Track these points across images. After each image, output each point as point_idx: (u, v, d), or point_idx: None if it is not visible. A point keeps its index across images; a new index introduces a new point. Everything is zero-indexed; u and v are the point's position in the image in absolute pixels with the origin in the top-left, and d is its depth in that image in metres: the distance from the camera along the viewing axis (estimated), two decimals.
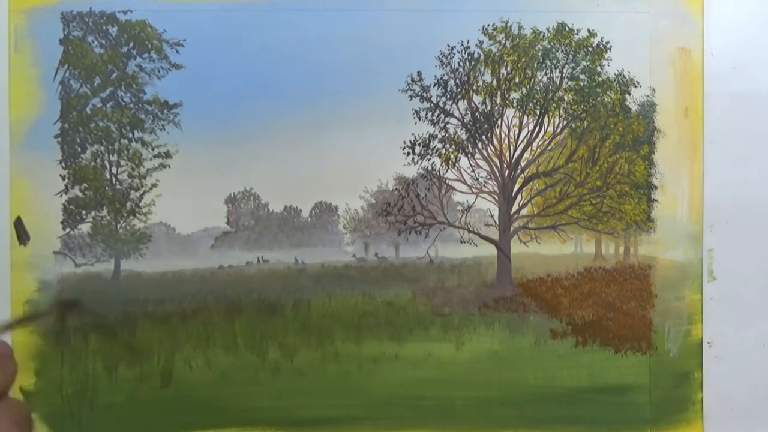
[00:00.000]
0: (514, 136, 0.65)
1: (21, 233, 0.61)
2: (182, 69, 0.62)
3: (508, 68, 0.64)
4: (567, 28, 0.63)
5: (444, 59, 0.63)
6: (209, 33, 0.62)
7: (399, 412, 0.62)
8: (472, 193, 0.65)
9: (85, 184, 0.62)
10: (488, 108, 0.64)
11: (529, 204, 0.66)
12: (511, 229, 0.65)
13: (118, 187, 0.63)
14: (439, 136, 0.64)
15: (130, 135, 0.63)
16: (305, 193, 0.64)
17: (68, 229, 0.62)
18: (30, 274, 0.61)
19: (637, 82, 0.63)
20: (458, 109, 0.64)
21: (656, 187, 0.63)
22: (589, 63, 0.64)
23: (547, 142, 0.65)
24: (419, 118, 0.63)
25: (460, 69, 0.63)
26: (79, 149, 0.62)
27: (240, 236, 0.65)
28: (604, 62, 0.63)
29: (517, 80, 0.64)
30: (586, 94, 0.64)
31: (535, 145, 0.65)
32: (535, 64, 0.64)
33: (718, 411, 0.62)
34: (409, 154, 0.63)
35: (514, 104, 0.64)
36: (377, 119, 0.62)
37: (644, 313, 0.63)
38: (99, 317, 0.61)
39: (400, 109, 0.63)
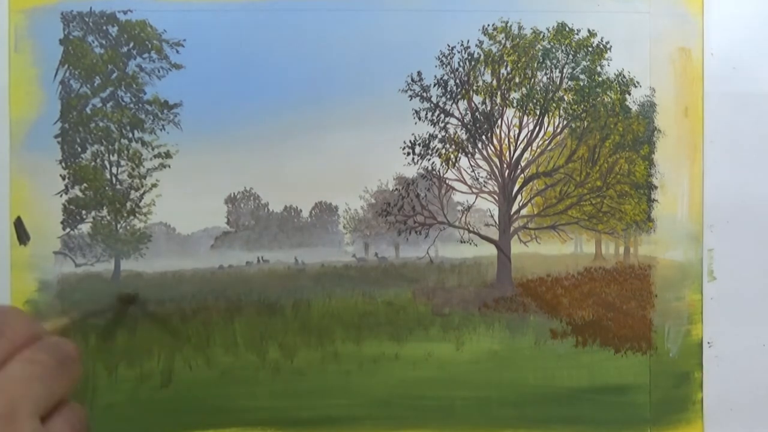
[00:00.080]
0: (514, 136, 0.65)
1: (21, 233, 0.61)
2: (182, 69, 0.62)
3: (508, 68, 0.64)
4: (567, 28, 0.63)
5: (444, 59, 0.63)
6: (209, 33, 0.62)
7: (399, 412, 0.62)
8: (472, 193, 0.65)
9: (85, 184, 0.62)
10: (488, 108, 0.64)
11: (529, 204, 0.66)
12: (511, 229, 0.65)
13: (118, 187, 0.63)
14: (439, 136, 0.64)
15: (130, 135, 0.63)
16: (305, 193, 0.64)
17: (68, 229, 0.62)
18: (30, 274, 0.61)
19: (637, 82, 0.63)
20: (458, 109, 0.64)
21: (656, 187, 0.63)
22: (589, 63, 0.64)
23: (547, 142, 0.65)
24: (419, 118, 0.63)
25: (460, 69, 0.63)
26: (79, 149, 0.62)
27: (240, 236, 0.65)
28: (604, 62, 0.63)
29: (517, 80, 0.64)
30: (586, 94, 0.64)
31: (535, 145, 0.65)
32: (535, 64, 0.64)
33: (718, 411, 0.62)
34: (409, 154, 0.63)
35: (514, 104, 0.64)
36: (377, 119, 0.62)
37: (644, 313, 0.63)
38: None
39: (400, 109, 0.63)
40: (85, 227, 0.62)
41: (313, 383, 0.62)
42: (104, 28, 0.62)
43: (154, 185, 0.63)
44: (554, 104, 0.64)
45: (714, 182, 0.62)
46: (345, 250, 0.66)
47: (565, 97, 0.64)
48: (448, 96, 0.64)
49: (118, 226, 0.63)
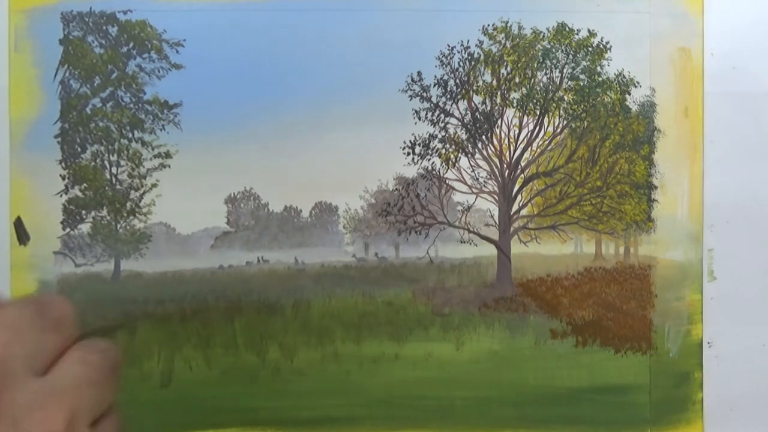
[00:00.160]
0: (514, 136, 0.65)
1: (21, 233, 0.61)
2: (182, 69, 0.62)
3: (508, 68, 0.64)
4: (567, 28, 0.63)
5: (444, 59, 0.63)
6: (209, 33, 0.62)
7: (399, 412, 0.62)
8: (472, 193, 0.65)
9: (85, 184, 0.62)
10: (488, 108, 0.64)
11: (529, 204, 0.66)
12: (511, 229, 0.65)
13: (118, 187, 0.63)
14: (439, 136, 0.64)
15: (130, 135, 0.63)
16: (305, 193, 0.64)
17: (68, 229, 0.62)
18: (30, 274, 0.61)
19: (637, 82, 0.63)
20: (458, 109, 0.64)
21: (656, 187, 0.63)
22: (589, 63, 0.64)
23: (547, 142, 0.65)
24: (419, 118, 0.63)
25: (460, 69, 0.63)
26: (79, 149, 0.62)
27: (240, 236, 0.65)
28: (604, 62, 0.63)
29: (517, 80, 0.64)
30: (586, 94, 0.64)
31: (535, 145, 0.65)
32: (535, 64, 0.64)
33: (718, 411, 0.62)
34: (409, 154, 0.63)
35: (514, 104, 0.64)
36: (377, 119, 0.62)
37: (644, 313, 0.63)
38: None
39: (400, 109, 0.63)
40: (85, 227, 0.62)
41: (313, 383, 0.62)
42: (104, 28, 0.62)
43: (154, 185, 0.63)
44: (554, 104, 0.64)
45: (714, 182, 0.62)
46: (345, 250, 0.66)
47: (565, 97, 0.64)
48: (448, 96, 0.64)
49: (118, 226, 0.63)
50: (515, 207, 0.65)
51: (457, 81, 0.64)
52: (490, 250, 0.64)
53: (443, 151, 0.64)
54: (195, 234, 0.63)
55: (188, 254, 0.63)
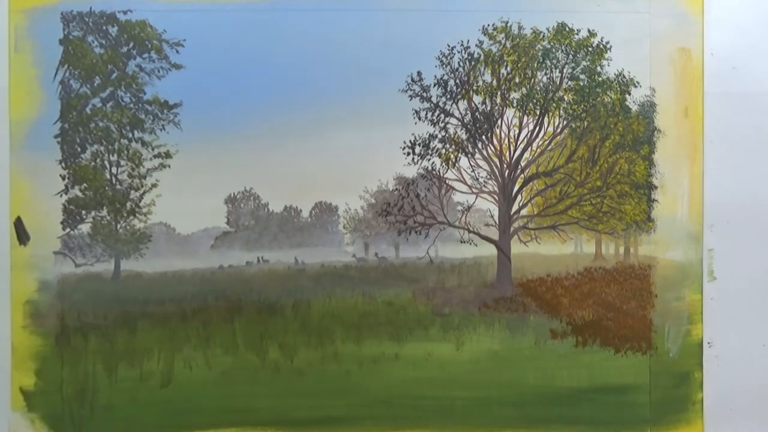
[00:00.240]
0: (514, 136, 0.65)
1: (21, 233, 0.61)
2: (182, 69, 0.62)
3: (508, 68, 0.64)
4: (567, 28, 0.63)
5: (444, 59, 0.63)
6: (209, 33, 0.62)
7: (399, 412, 0.62)
8: (472, 193, 0.65)
9: (85, 184, 0.62)
10: (488, 108, 0.64)
11: (529, 204, 0.66)
12: (511, 229, 0.65)
13: (118, 187, 0.63)
14: (439, 136, 0.64)
15: (130, 135, 0.63)
16: (305, 193, 0.64)
17: (68, 229, 0.62)
18: (30, 274, 0.61)
19: (637, 82, 0.63)
20: (458, 109, 0.64)
21: (656, 187, 0.63)
22: (589, 63, 0.64)
23: (547, 142, 0.65)
24: (419, 118, 0.63)
25: (460, 69, 0.64)
26: (79, 149, 0.62)
27: (240, 236, 0.65)
28: (604, 62, 0.63)
29: (517, 80, 0.64)
30: (586, 94, 0.64)
31: (535, 145, 0.65)
32: (535, 64, 0.64)
33: (718, 411, 0.62)
34: (409, 154, 0.63)
35: (514, 104, 0.64)
36: (377, 119, 0.62)
37: (644, 313, 0.63)
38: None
39: (400, 109, 0.63)
40: (85, 227, 0.62)
41: (313, 383, 0.62)
42: (104, 28, 0.62)
43: (154, 185, 0.63)
44: (554, 104, 0.64)
45: (714, 182, 0.62)
46: (345, 250, 0.66)
47: (565, 97, 0.64)
48: (448, 96, 0.64)
49: (118, 226, 0.63)
50: (515, 207, 0.65)
51: (457, 81, 0.64)
52: (490, 250, 0.64)
53: (443, 151, 0.64)
54: (195, 234, 0.63)
55: (188, 254, 0.63)
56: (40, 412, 0.60)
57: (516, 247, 0.64)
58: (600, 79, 0.64)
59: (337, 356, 0.62)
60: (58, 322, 0.60)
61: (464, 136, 0.65)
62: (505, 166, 0.65)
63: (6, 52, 0.61)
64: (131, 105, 0.63)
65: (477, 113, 0.64)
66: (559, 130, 0.65)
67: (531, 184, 0.66)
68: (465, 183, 0.65)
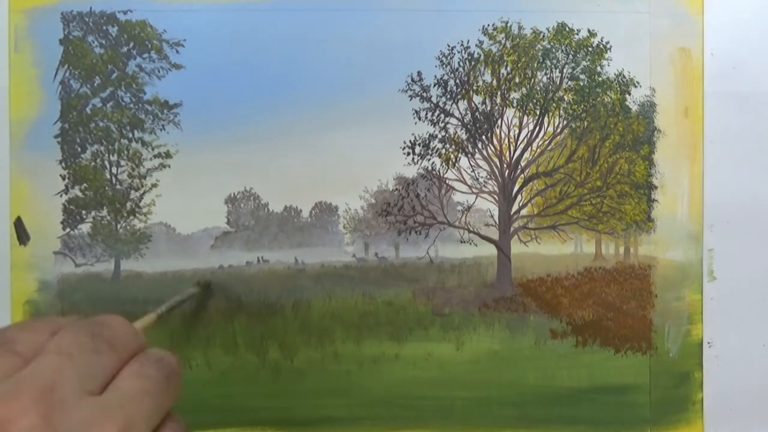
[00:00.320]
0: (514, 136, 0.65)
1: (21, 233, 0.61)
2: (182, 69, 0.62)
3: (508, 68, 0.64)
4: (567, 28, 0.63)
5: (444, 59, 0.63)
6: (209, 33, 0.62)
7: (399, 412, 0.62)
8: (472, 193, 0.65)
9: (85, 184, 0.62)
10: (488, 108, 0.64)
11: (529, 204, 0.66)
12: (511, 229, 0.65)
13: (118, 187, 0.63)
14: (439, 136, 0.64)
15: (130, 135, 0.63)
16: (305, 193, 0.64)
17: (68, 229, 0.62)
18: (30, 274, 0.61)
19: (637, 82, 0.63)
20: (458, 109, 0.64)
21: (656, 187, 0.63)
22: (589, 63, 0.64)
23: (547, 142, 0.65)
24: (419, 118, 0.63)
25: (460, 69, 0.63)
26: (79, 149, 0.62)
27: (240, 236, 0.65)
28: (604, 62, 0.63)
29: (517, 80, 0.64)
30: (586, 94, 0.64)
31: (535, 145, 0.65)
32: (535, 64, 0.64)
33: (718, 411, 0.62)
34: (409, 154, 0.63)
35: (514, 104, 0.64)
36: (377, 119, 0.62)
37: (644, 313, 0.63)
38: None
39: (400, 109, 0.63)
40: (85, 227, 0.62)
41: (313, 383, 0.62)
42: (104, 28, 0.62)
43: (154, 185, 0.63)
44: (554, 104, 0.64)
45: (714, 182, 0.62)
46: (345, 250, 0.66)
47: (565, 97, 0.64)
48: (448, 96, 0.64)
49: (118, 226, 0.63)
50: (515, 207, 0.65)
51: (457, 81, 0.64)
52: (490, 250, 0.64)
53: (443, 151, 0.64)
54: (195, 234, 0.63)
55: (188, 254, 0.63)
56: None
57: (516, 247, 0.64)
58: (600, 79, 0.64)
59: (337, 356, 0.62)
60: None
61: (464, 136, 0.65)
62: (505, 166, 0.65)
63: (6, 52, 0.61)
64: (131, 105, 0.63)
65: (477, 113, 0.64)
66: (559, 130, 0.65)
67: (531, 184, 0.66)
68: (465, 183, 0.65)
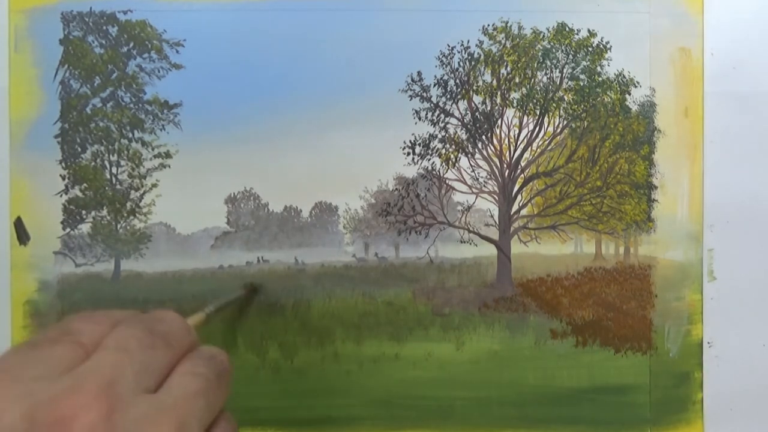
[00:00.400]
0: (514, 136, 0.65)
1: (21, 233, 0.61)
2: (182, 69, 0.62)
3: (508, 68, 0.64)
4: (567, 28, 0.63)
5: (444, 59, 0.63)
6: (209, 33, 0.62)
7: (399, 412, 0.62)
8: (472, 193, 0.65)
9: (85, 184, 0.62)
10: (488, 108, 0.64)
11: (529, 204, 0.66)
12: (511, 229, 0.65)
13: (118, 187, 0.63)
14: (439, 136, 0.64)
15: (130, 135, 0.63)
16: (305, 193, 0.64)
17: (68, 229, 0.62)
18: (30, 274, 0.61)
19: (637, 82, 0.63)
20: (458, 109, 0.64)
21: (656, 187, 0.63)
22: (589, 63, 0.64)
23: (547, 142, 0.65)
24: (419, 118, 0.63)
25: (460, 69, 0.63)
26: (79, 149, 0.62)
27: (240, 236, 0.65)
28: (604, 62, 0.63)
29: (517, 80, 0.64)
30: (586, 94, 0.64)
31: (535, 145, 0.65)
32: (535, 64, 0.64)
33: (718, 411, 0.62)
34: (409, 154, 0.63)
35: (514, 104, 0.64)
36: (377, 119, 0.62)
37: (644, 313, 0.63)
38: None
39: (400, 109, 0.63)
40: (85, 227, 0.62)
41: (313, 383, 0.62)
42: (104, 28, 0.62)
43: (154, 185, 0.63)
44: (554, 104, 0.64)
45: (714, 182, 0.62)
46: (345, 250, 0.66)
47: (565, 97, 0.64)
48: (448, 96, 0.64)
49: (118, 226, 0.63)
50: (515, 207, 0.65)
51: (457, 81, 0.64)
52: (490, 250, 0.64)
53: (443, 151, 0.64)
54: (195, 234, 0.63)
55: (188, 254, 0.63)
56: None
57: (516, 247, 0.64)
58: (600, 79, 0.64)
59: (337, 356, 0.62)
60: (58, 321, 0.60)
61: (464, 136, 0.65)
62: (505, 166, 0.65)
63: (6, 52, 0.61)
64: (131, 105, 0.63)
65: (477, 113, 0.64)
66: (559, 130, 0.65)
67: (531, 184, 0.66)
68: (465, 183, 0.65)
